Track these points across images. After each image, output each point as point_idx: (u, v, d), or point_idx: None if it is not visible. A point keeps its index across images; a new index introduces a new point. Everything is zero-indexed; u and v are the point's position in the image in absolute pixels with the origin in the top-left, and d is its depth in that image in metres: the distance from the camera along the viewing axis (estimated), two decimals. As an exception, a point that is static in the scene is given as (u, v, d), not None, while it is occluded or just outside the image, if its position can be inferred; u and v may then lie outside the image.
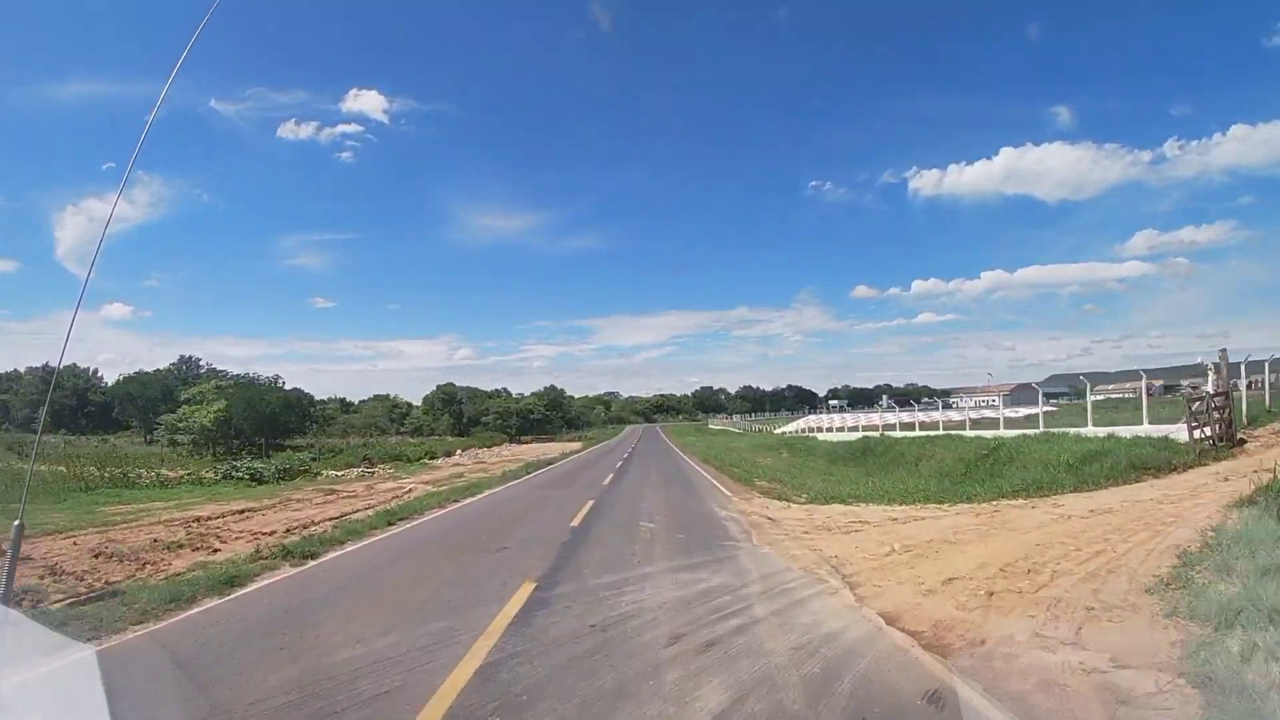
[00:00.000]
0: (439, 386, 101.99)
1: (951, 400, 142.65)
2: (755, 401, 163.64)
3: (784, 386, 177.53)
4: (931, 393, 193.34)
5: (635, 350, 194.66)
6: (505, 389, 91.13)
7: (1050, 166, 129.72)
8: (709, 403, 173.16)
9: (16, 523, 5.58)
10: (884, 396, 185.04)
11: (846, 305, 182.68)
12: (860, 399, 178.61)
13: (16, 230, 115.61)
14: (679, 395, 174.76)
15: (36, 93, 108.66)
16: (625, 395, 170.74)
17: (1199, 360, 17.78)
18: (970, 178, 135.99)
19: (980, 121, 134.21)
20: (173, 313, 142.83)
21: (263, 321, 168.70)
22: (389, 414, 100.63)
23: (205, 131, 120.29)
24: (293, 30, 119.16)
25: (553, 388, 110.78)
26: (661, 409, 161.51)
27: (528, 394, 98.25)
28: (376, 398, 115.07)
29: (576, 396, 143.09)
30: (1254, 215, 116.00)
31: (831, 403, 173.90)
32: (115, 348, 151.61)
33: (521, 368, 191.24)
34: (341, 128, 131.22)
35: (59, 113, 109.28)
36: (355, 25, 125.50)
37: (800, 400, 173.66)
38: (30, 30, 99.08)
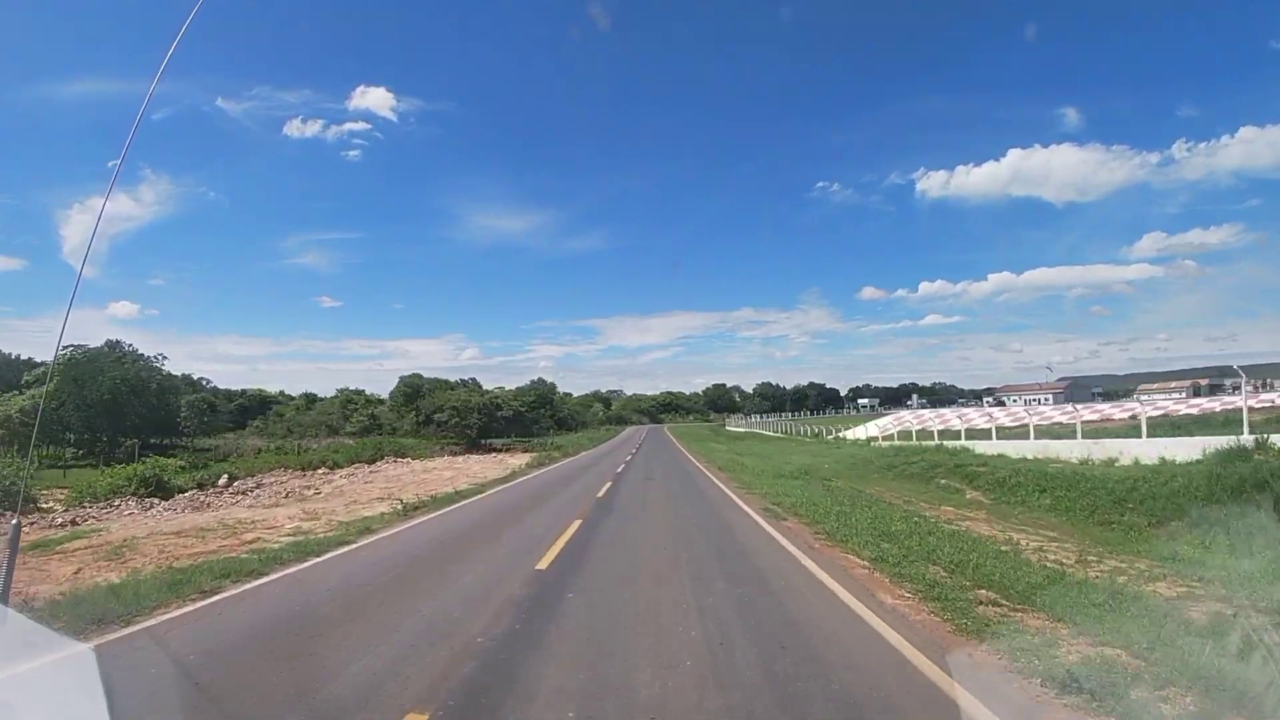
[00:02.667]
0: (401, 379, 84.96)
1: (1001, 398, 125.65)
2: (774, 400, 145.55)
3: (805, 384, 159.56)
4: (960, 392, 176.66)
5: (640, 351, 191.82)
6: (474, 379, 73.76)
7: (1057, 168, 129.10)
8: (721, 401, 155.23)
9: (14, 520, 5.05)
10: (913, 395, 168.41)
11: (852, 307, 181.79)
12: (888, 398, 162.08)
13: (23, 229, 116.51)
14: (688, 394, 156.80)
15: (42, 92, 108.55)
16: (630, 393, 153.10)
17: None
18: (977, 179, 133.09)
19: (988, 123, 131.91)
20: (178, 311, 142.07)
21: (268, 321, 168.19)
22: (343, 410, 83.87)
23: (211, 130, 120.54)
24: (297, 30, 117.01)
25: (541, 381, 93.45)
26: (669, 408, 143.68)
27: (509, 387, 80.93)
28: (340, 392, 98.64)
29: (576, 395, 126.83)
30: (1262, 217, 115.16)
31: (860, 401, 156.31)
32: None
33: (528, 368, 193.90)
34: (349, 125, 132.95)
35: (65, 112, 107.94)
36: (359, 26, 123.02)
37: (824, 400, 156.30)
38: (37, 29, 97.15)
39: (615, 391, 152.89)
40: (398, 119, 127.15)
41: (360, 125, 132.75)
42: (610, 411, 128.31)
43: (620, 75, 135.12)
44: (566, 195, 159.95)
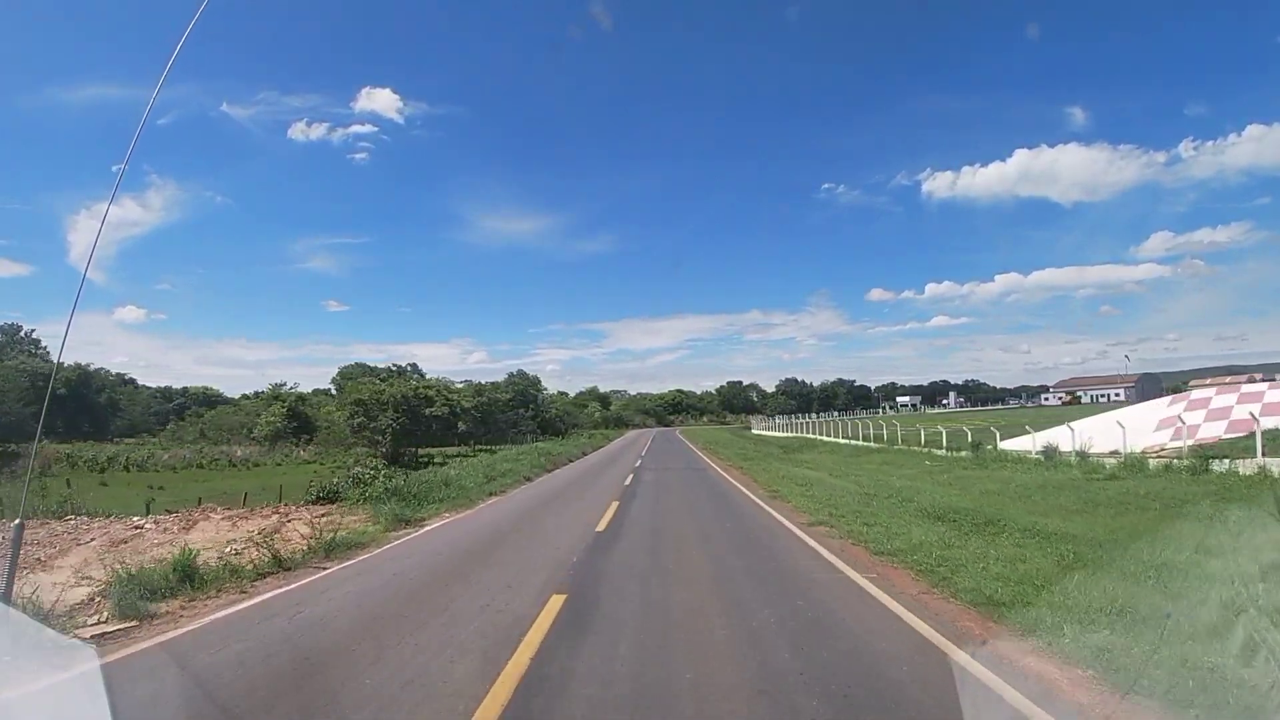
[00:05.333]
0: (341, 369, 67.20)
1: (1077, 393, 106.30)
2: (800, 399, 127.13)
3: (833, 380, 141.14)
4: (996, 391, 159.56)
5: (648, 354, 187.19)
6: (413, 365, 55.77)
7: (1064, 168, 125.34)
8: (737, 401, 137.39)
9: (17, 522, 5.31)
10: (951, 393, 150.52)
11: (860, 308, 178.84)
12: (923, 396, 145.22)
13: (30, 234, 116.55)
14: (699, 393, 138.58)
15: (49, 97, 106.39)
16: (634, 393, 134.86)
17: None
18: (984, 180, 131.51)
19: (994, 123, 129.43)
20: (186, 316, 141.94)
21: (275, 325, 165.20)
22: (267, 408, 65.55)
23: (217, 135, 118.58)
24: (301, 33, 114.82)
25: (523, 374, 75.16)
26: (679, 408, 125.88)
27: (479, 382, 62.99)
28: (272, 387, 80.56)
29: (573, 395, 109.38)
30: (1270, 215, 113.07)
31: (899, 400, 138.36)
32: (128, 350, 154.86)
33: (535, 371, 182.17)
34: (355, 128, 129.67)
35: (72, 117, 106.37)
36: (362, 28, 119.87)
37: (854, 398, 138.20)
38: (47, 35, 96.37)
39: (619, 391, 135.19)
40: (404, 121, 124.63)
41: (366, 128, 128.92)
42: (609, 412, 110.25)
43: (624, 76, 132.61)
44: (572, 197, 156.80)
